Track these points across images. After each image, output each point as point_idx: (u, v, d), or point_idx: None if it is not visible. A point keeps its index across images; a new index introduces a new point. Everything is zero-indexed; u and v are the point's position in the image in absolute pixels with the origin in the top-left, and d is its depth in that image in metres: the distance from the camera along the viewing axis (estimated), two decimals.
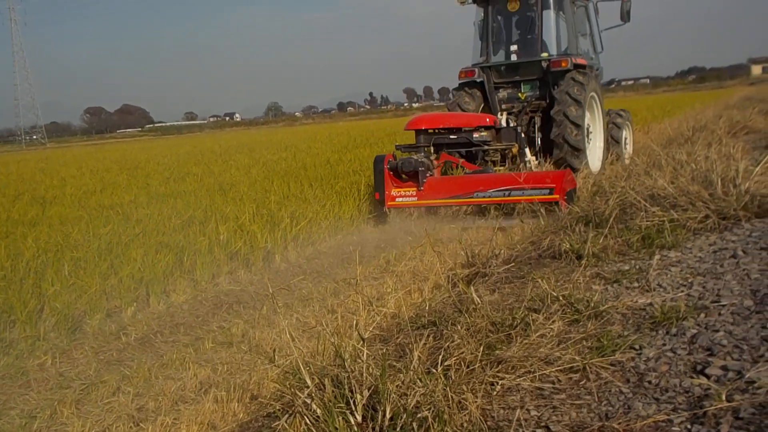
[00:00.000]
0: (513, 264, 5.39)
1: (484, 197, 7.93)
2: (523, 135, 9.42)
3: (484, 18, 10.38)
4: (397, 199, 8.39)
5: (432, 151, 8.91)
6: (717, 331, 3.25)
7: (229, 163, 18.88)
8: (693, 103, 27.88)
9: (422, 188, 8.30)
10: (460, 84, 10.41)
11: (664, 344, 3.23)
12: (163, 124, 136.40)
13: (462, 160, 9.02)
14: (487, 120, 9.22)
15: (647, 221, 5.62)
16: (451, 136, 8.86)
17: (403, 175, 8.39)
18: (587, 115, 9.52)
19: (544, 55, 9.93)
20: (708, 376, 2.79)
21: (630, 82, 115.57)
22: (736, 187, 5.77)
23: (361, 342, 3.05)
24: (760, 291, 3.70)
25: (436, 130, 8.93)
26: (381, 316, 4.37)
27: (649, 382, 2.87)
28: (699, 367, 2.91)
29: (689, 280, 4.20)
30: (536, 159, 9.57)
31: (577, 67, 9.59)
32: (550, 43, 10.01)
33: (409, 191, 8.38)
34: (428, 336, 3.46)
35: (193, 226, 7.88)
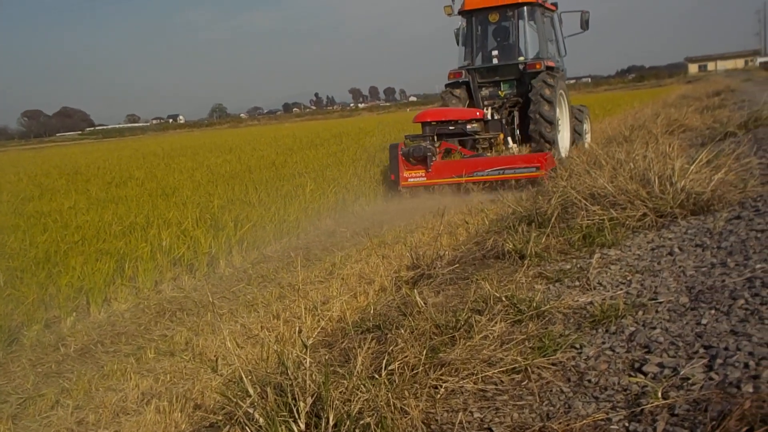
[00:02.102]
0: (457, 265, 5.41)
1: (483, 175, 9.71)
2: (506, 126, 11.41)
3: (467, 27, 11.99)
4: (409, 180, 10.14)
5: (435, 139, 10.57)
6: (654, 328, 3.32)
7: (172, 166, 18.57)
8: (632, 101, 28.50)
9: (430, 170, 10.04)
10: (448, 84, 11.99)
11: (604, 342, 3.28)
12: (105, 127, 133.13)
13: (460, 147, 10.76)
14: (477, 114, 10.95)
15: (588, 220, 5.71)
16: (450, 127, 10.60)
17: (412, 160, 10.09)
18: (557, 110, 11.09)
19: (521, 58, 11.55)
20: (645, 374, 2.85)
21: (572, 81, 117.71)
22: (672, 185, 5.89)
23: (305, 349, 3.02)
24: (695, 288, 3.79)
25: (438, 123, 10.65)
26: (326, 321, 4.35)
27: (589, 381, 2.92)
28: (637, 365, 2.96)
29: (628, 278, 4.29)
30: (517, 145, 11.32)
31: (547, 68, 11.24)
32: (525, 49, 11.62)
33: (419, 173, 10.13)
34: (372, 341, 3.45)
35: (134, 232, 7.72)
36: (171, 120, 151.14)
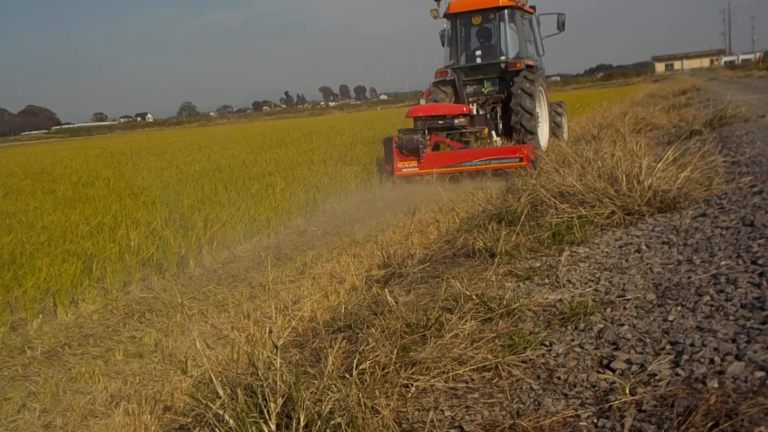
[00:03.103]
0: (428, 263, 5.44)
1: (471, 165, 10.49)
2: (490, 120, 12.18)
3: (452, 29, 12.76)
4: (403, 170, 10.92)
5: (426, 132, 11.24)
6: (622, 325, 3.36)
7: (140, 165, 18.36)
8: (601, 100, 28.79)
9: (422, 161, 10.81)
10: (435, 81, 12.67)
11: (573, 340, 3.32)
12: (71, 126, 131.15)
13: (449, 140, 11.45)
14: (464, 109, 11.71)
15: (557, 218, 5.76)
16: (439, 122, 11.32)
17: (404, 151, 10.87)
18: (536, 103, 11.82)
19: (502, 58, 12.30)
20: (613, 371, 2.88)
21: None
22: (639, 183, 5.97)
23: (275, 350, 3.00)
24: (661, 284, 3.85)
25: (429, 117, 11.33)
26: (297, 321, 4.33)
27: (559, 378, 2.94)
28: (605, 362, 3.00)
29: (597, 276, 4.34)
30: (500, 138, 12.08)
31: (527, 67, 12.02)
32: (506, 49, 12.38)
33: (411, 163, 10.91)
34: (343, 340, 3.44)
35: (102, 233, 7.61)
36: (139, 118, 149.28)
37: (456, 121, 11.39)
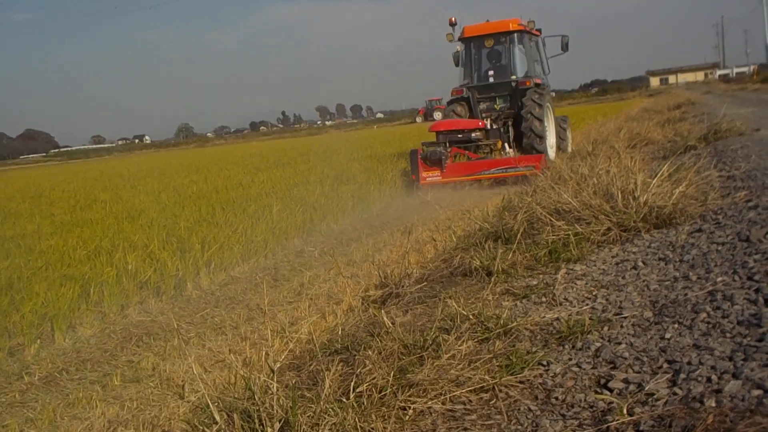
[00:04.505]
0: (425, 283, 5.43)
1: (490, 173, 11.80)
2: (503, 134, 13.33)
3: (466, 51, 14.10)
4: (427, 179, 12.06)
5: (447, 145, 12.44)
6: (619, 343, 3.35)
7: (138, 188, 18.39)
8: (596, 115, 28.95)
9: (444, 170, 12.02)
10: (452, 99, 14.12)
11: (570, 359, 3.31)
12: (69, 149, 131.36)
13: (468, 152, 12.77)
14: (480, 124, 12.91)
15: (553, 235, 5.76)
16: (458, 135, 12.63)
17: (428, 162, 12.03)
18: (545, 124, 13.04)
19: (513, 77, 13.61)
20: (611, 390, 2.87)
21: None
22: (635, 199, 5.97)
23: (272, 374, 3.00)
24: (658, 302, 3.85)
25: (449, 132, 12.64)
26: (294, 343, 4.32)
27: (556, 399, 2.93)
28: (603, 381, 2.99)
29: (593, 293, 4.33)
30: (512, 150, 13.18)
31: (536, 85, 13.35)
32: (516, 69, 13.75)
33: (435, 173, 12.07)
34: (340, 363, 3.44)
35: (100, 256, 7.62)
36: (137, 140, 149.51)
37: (473, 134, 12.71)
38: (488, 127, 13.17)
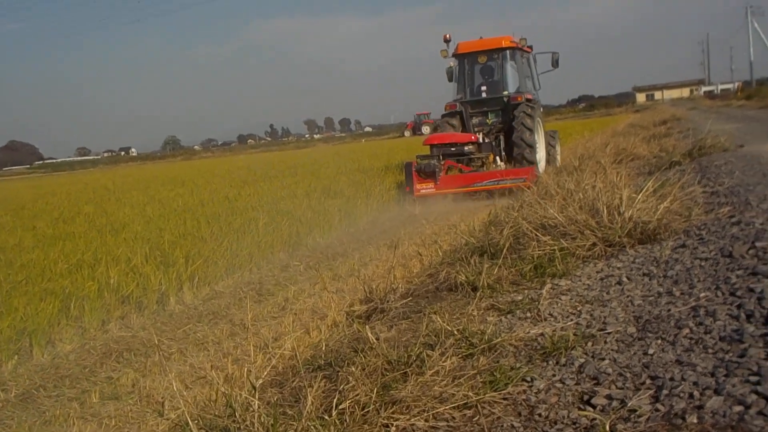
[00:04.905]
0: (411, 298, 5.40)
1: (482, 185, 12.02)
2: (495, 147, 13.75)
3: (460, 67, 14.51)
4: (421, 191, 12.31)
5: (440, 158, 12.84)
6: (603, 359, 3.34)
7: (123, 201, 18.26)
8: (582, 131, 29.10)
9: (438, 182, 12.31)
10: (445, 113, 14.38)
11: (554, 375, 3.29)
12: (54, 161, 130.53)
13: (461, 164, 13.07)
14: (473, 138, 13.30)
15: (539, 250, 5.75)
16: (452, 149, 12.96)
17: (422, 174, 12.32)
18: (536, 136, 13.40)
19: (505, 92, 14.06)
20: (594, 407, 2.86)
21: None
22: (620, 214, 5.99)
23: (253, 390, 2.96)
24: (642, 317, 3.84)
25: (443, 145, 12.97)
26: (277, 359, 4.28)
27: (540, 415, 2.91)
28: (586, 397, 2.97)
29: (578, 309, 4.32)
30: (504, 163, 13.62)
31: (527, 101, 13.70)
32: (508, 84, 14.21)
33: (429, 185, 12.33)
34: (323, 379, 3.40)
35: (82, 270, 7.52)
36: (123, 152, 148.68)
37: (466, 148, 13.04)
38: (480, 140, 13.58)
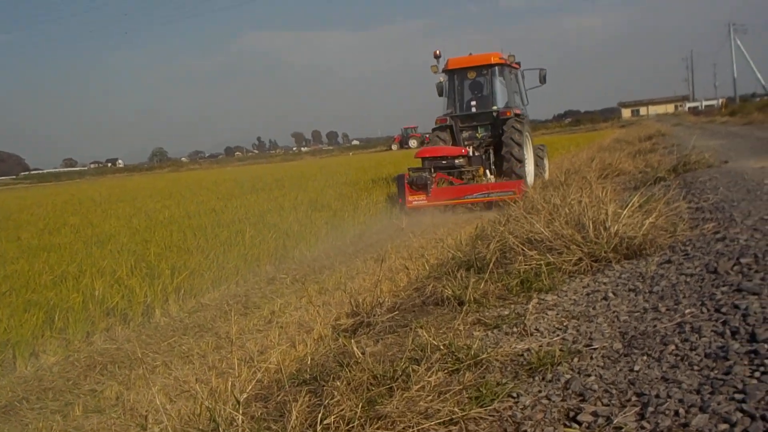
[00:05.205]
0: (397, 312, 5.39)
1: (473, 198, 12.46)
2: (484, 161, 14.00)
3: (450, 82, 14.81)
4: (413, 202, 12.60)
5: (432, 171, 13.11)
6: (589, 375, 3.34)
7: (109, 212, 18.16)
8: (569, 146, 29.27)
9: (430, 194, 12.62)
10: (436, 127, 14.66)
11: (540, 391, 3.29)
12: (40, 172, 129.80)
13: (452, 177, 13.39)
14: (463, 151, 13.61)
15: (526, 265, 5.76)
16: (443, 162, 13.29)
17: (414, 186, 12.62)
18: (524, 150, 13.65)
19: (494, 107, 14.31)
20: (580, 423, 2.86)
21: None
22: (606, 230, 6.01)
23: (237, 405, 2.94)
24: (628, 333, 3.85)
25: (434, 158, 13.26)
26: (262, 373, 4.25)
27: None
28: (572, 414, 2.97)
29: (564, 324, 4.33)
30: (493, 176, 13.93)
31: (516, 115, 14.03)
32: (497, 99, 14.49)
33: (420, 197, 12.63)
34: (307, 394, 3.38)
35: (66, 282, 7.47)
36: (110, 164, 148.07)
37: (456, 161, 13.37)
38: (471, 154, 13.87)
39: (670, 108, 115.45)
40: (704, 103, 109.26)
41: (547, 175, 15.45)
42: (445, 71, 14.92)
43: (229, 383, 3.81)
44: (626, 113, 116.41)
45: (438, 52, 14.60)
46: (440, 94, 15.15)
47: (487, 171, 14.03)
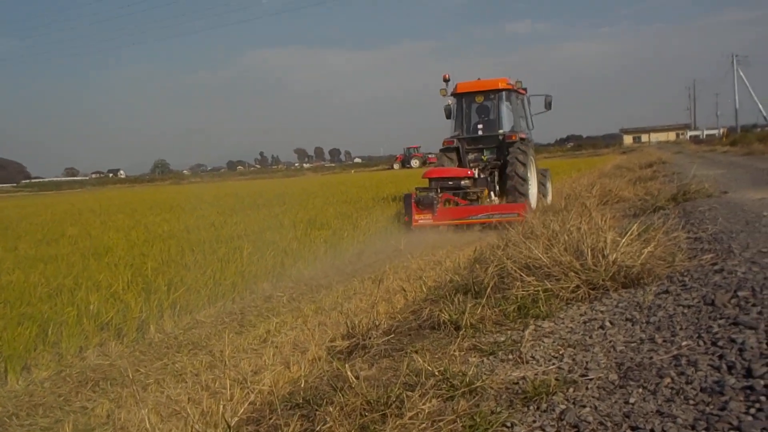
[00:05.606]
0: (393, 335, 5.37)
1: (477, 218, 12.72)
2: (490, 182, 14.29)
3: (458, 105, 15.19)
4: (419, 221, 12.90)
5: (438, 191, 13.44)
6: (584, 406, 3.32)
7: (108, 224, 18.13)
8: (570, 171, 29.32)
9: (436, 214, 12.90)
10: (443, 149, 14.92)
11: (535, 421, 3.27)
12: (41, 180, 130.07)
13: (457, 198, 13.59)
14: (469, 173, 13.86)
15: (523, 291, 5.75)
16: (449, 183, 13.64)
17: (420, 206, 12.93)
18: (528, 171, 13.90)
19: (500, 131, 14.62)
20: None
21: None
22: (604, 257, 6.00)
23: (228, 429, 2.91)
24: (624, 364, 3.83)
25: (441, 179, 13.62)
26: (255, 395, 4.22)
27: None
28: None
29: (560, 352, 4.31)
30: (497, 198, 14.31)
31: (521, 140, 14.36)
32: (503, 123, 14.78)
33: (426, 216, 12.91)
34: (300, 419, 3.35)
35: (61, 295, 7.43)
36: (111, 174, 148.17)
37: (462, 182, 13.68)
38: (476, 176, 14.11)
39: (671, 136, 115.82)
40: (706, 132, 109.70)
41: (549, 198, 15.68)
42: (453, 94, 15.25)
43: (221, 406, 3.79)
44: (628, 139, 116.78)
45: (447, 75, 14.90)
46: (448, 117, 15.49)
47: (492, 193, 14.35)
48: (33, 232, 17.11)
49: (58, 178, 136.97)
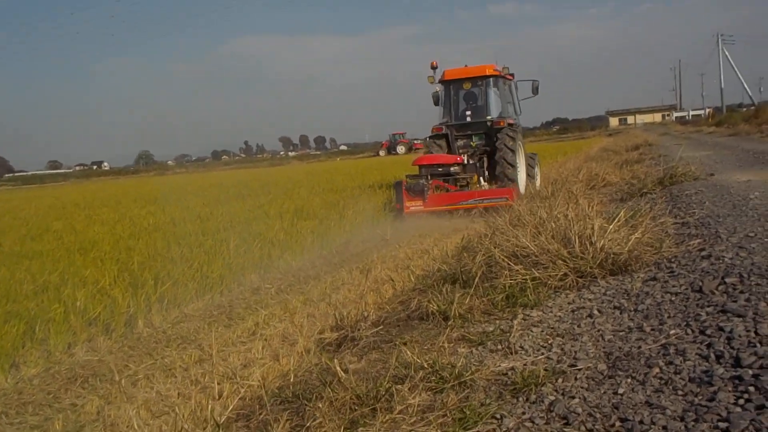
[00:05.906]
0: (382, 327, 5.36)
1: (467, 204, 12.82)
2: (479, 168, 14.44)
3: (446, 92, 15.30)
4: (411, 208, 12.98)
5: (428, 178, 13.57)
6: (573, 397, 3.33)
7: (93, 218, 18.00)
8: (556, 154, 29.37)
9: (426, 200, 13.02)
10: (432, 136, 15.07)
11: (524, 413, 3.27)
12: (25, 174, 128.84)
13: (447, 184, 13.78)
14: (458, 159, 14.10)
15: (511, 279, 5.75)
16: (439, 169, 13.77)
17: (411, 193, 13.03)
18: (517, 156, 14.11)
19: (488, 117, 14.73)
20: None
21: None
22: (592, 244, 6.01)
23: (217, 428, 2.90)
24: (612, 354, 3.84)
25: (431, 165, 13.74)
26: (245, 389, 4.21)
27: None
28: None
29: (549, 342, 4.32)
30: (487, 183, 14.38)
31: (509, 125, 14.49)
32: (491, 109, 14.93)
33: (417, 203, 13.02)
34: (289, 414, 3.34)
35: (48, 292, 7.37)
36: (95, 166, 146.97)
37: (452, 168, 13.84)
38: (465, 162, 14.35)
39: (657, 117, 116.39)
40: (691, 112, 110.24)
41: (538, 183, 15.90)
42: (441, 81, 15.35)
43: (213, 399, 3.77)
44: (614, 122, 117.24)
45: (435, 63, 14.99)
46: (436, 104, 15.62)
47: (481, 178, 14.51)
48: (17, 227, 16.96)
49: (42, 171, 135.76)
